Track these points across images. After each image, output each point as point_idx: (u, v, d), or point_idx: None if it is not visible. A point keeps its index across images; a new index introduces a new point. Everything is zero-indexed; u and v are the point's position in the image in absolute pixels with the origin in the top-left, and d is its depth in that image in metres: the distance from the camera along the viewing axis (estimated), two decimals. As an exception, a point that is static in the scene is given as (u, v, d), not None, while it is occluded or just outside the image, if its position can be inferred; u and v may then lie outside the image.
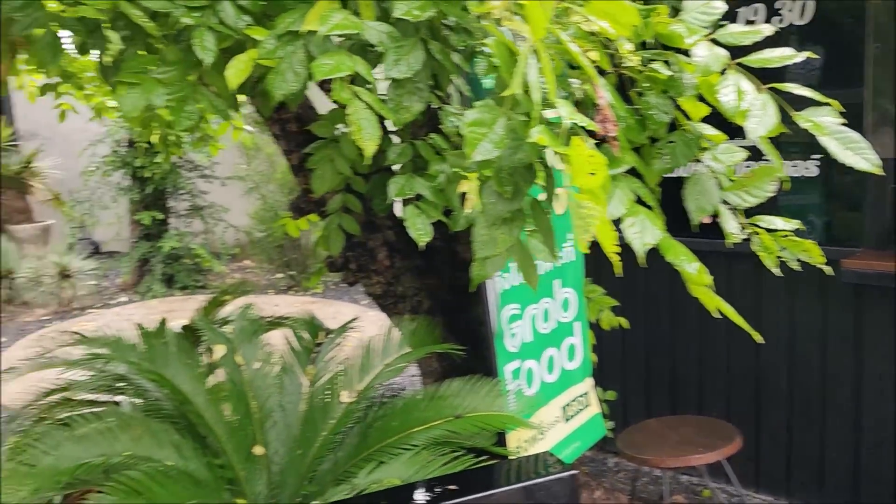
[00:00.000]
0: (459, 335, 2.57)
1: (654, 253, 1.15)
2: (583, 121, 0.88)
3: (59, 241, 9.79)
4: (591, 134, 0.93)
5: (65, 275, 7.01)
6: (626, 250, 1.11)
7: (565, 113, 0.86)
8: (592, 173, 0.81)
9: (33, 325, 6.57)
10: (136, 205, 7.71)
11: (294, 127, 2.62)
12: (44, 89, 3.64)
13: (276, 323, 2.80)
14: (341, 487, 2.06)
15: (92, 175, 7.63)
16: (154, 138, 3.91)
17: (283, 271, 7.72)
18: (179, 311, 6.63)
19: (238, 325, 2.55)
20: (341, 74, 1.16)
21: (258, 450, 2.21)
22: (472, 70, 1.57)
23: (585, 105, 1.11)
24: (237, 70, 1.36)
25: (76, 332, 3.22)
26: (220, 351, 2.37)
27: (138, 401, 2.63)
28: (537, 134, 0.84)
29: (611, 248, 0.94)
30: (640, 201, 1.08)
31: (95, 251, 8.86)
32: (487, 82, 2.07)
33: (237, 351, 2.42)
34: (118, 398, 2.94)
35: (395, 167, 2.05)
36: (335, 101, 1.25)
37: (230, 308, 3.06)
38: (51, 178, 9.69)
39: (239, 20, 1.39)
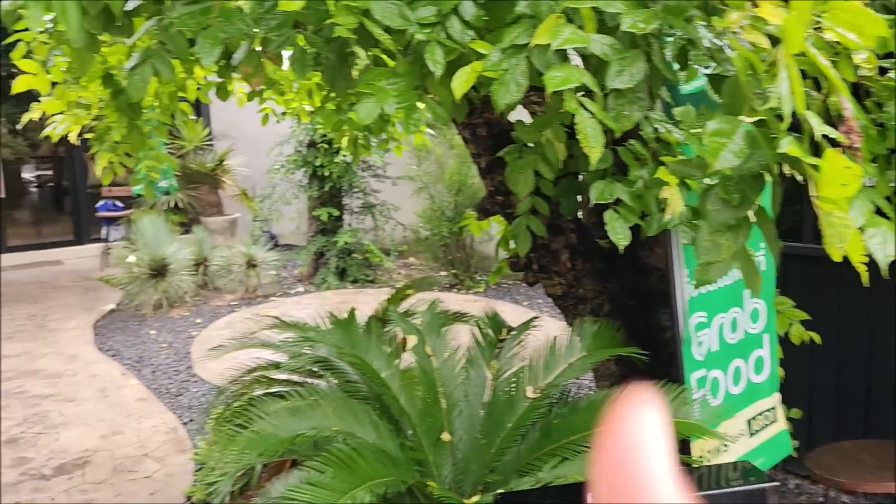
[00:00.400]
0: (639, 339, 2.57)
1: (847, 263, 1.11)
2: (832, 133, 0.89)
3: (243, 233, 10.68)
4: (834, 144, 0.94)
5: (251, 264, 7.64)
6: (818, 261, 1.09)
7: (815, 124, 0.87)
8: (844, 184, 0.82)
9: (224, 308, 7.22)
10: (314, 201, 8.25)
11: (483, 132, 2.74)
12: (251, 95, 4.02)
13: (459, 318, 2.93)
14: (525, 479, 2.13)
15: (276, 173, 8.25)
16: (343, 141, 4.20)
17: (447, 269, 7.96)
18: (352, 302, 7.01)
19: (426, 318, 2.69)
20: (571, 86, 1.24)
21: (446, 436, 2.34)
22: (674, 77, 1.59)
23: (820, 115, 1.10)
24: (462, 81, 1.47)
25: (276, 318, 3.54)
26: (411, 341, 2.53)
27: (333, 382, 2.85)
28: (787, 145, 0.86)
29: (858, 259, 0.94)
30: (878, 212, 1.06)
31: (274, 244, 9.53)
32: (686, 88, 2.07)
33: (426, 342, 2.57)
34: (311, 380, 3.21)
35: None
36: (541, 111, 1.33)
37: (406, 303, 3.26)
38: (239, 176, 10.61)
39: (464, 35, 1.51)
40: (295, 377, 3.52)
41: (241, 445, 2.15)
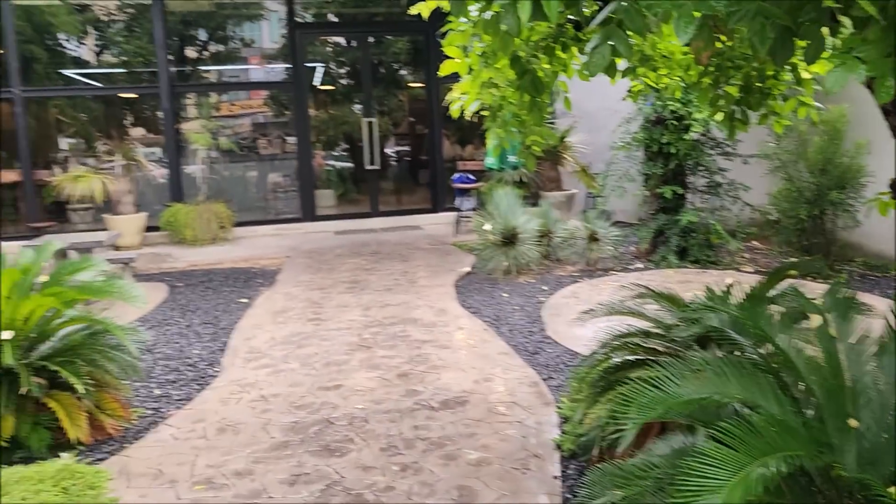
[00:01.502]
0: None
1: None
2: None
3: (579, 209, 11.01)
4: None
5: (594, 238, 7.88)
6: None
7: None
8: None
9: (566, 278, 7.58)
10: (657, 179, 8.20)
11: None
12: (625, 72, 4.13)
13: (859, 306, 2.75)
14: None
15: (621, 150, 8.34)
16: (718, 116, 4.11)
17: (799, 256, 7.37)
18: (695, 282, 6.89)
19: (828, 301, 2.58)
20: None
21: (853, 422, 2.24)
22: None
23: None
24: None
25: (647, 288, 3.64)
26: (815, 321, 2.45)
27: (717, 354, 2.87)
28: None
29: None
30: None
31: (610, 220, 9.67)
32: None
33: (829, 323, 2.47)
34: (688, 352, 3.25)
35: None
36: None
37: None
38: (577, 152, 10.93)
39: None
40: (660, 347, 3.62)
41: (644, 402, 2.28)
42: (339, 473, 3.48)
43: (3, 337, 3.66)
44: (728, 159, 8.06)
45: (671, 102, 7.55)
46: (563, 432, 3.79)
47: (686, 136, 7.65)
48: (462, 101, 3.82)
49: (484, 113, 3.95)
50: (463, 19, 3.32)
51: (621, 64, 3.92)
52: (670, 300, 3.47)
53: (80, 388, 3.74)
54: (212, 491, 3.36)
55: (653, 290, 3.61)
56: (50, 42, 15.51)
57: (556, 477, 3.38)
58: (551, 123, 10.97)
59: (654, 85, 4.37)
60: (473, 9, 2.99)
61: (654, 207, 8.35)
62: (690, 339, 3.11)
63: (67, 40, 16.45)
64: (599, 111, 11.33)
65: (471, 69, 3.47)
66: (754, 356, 2.53)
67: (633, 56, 3.91)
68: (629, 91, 4.52)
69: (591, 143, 11.08)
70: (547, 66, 3.61)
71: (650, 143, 8.09)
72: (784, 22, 1.64)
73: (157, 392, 4.72)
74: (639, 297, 3.78)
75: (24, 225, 11.37)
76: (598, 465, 2.69)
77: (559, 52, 3.54)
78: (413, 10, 3.24)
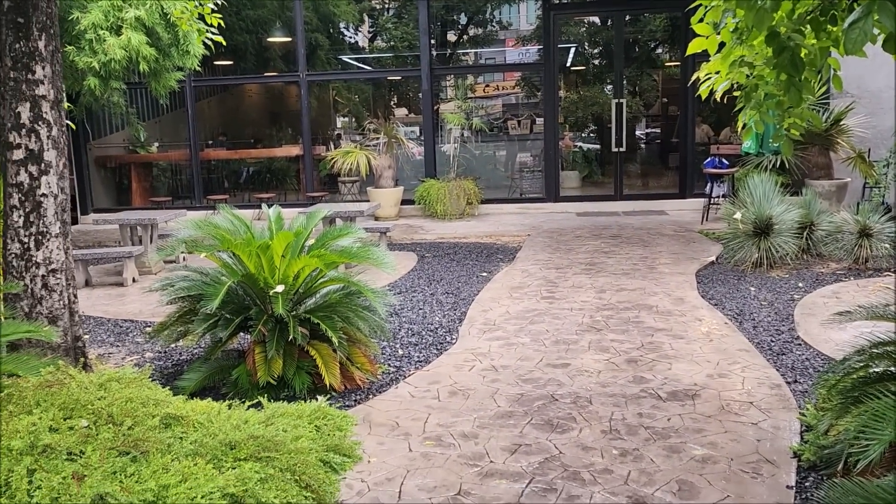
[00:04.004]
0: None
1: None
2: None
3: (851, 199, 9.84)
4: None
5: (865, 233, 7.02)
6: None
7: None
8: None
9: (828, 276, 6.86)
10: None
11: None
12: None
13: None
14: None
15: (908, 135, 7.30)
16: None
17: None
18: None
19: None
20: None
21: None
22: None
23: None
24: None
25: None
26: None
27: None
28: None
29: None
30: None
31: (888, 214, 8.53)
32: None
33: None
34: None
35: None
36: None
37: None
38: (855, 137, 9.74)
39: None
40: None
41: (894, 418, 2.05)
42: (559, 449, 3.55)
43: (277, 290, 4.24)
44: None
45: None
46: (803, 441, 3.49)
47: None
48: (712, 80, 3.63)
49: (736, 93, 3.71)
50: (716, -6, 3.14)
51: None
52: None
53: (335, 340, 4.21)
54: (440, 448, 3.61)
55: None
56: (331, 30, 17.28)
57: (789, 487, 3.14)
58: (823, 104, 9.91)
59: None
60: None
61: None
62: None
63: (346, 28, 18.20)
64: (885, 90, 9.99)
65: (721, 47, 3.28)
66: None
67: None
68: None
69: (872, 127, 9.83)
70: (813, 42, 3.29)
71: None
72: None
73: (401, 352, 5.14)
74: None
75: (303, 194, 12.88)
76: (837, 481, 2.46)
77: (829, 26, 3.21)
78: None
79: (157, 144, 13.89)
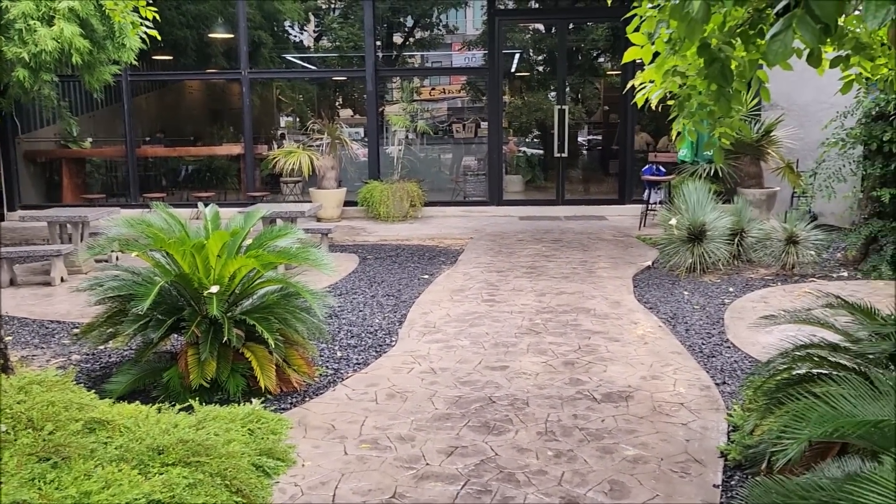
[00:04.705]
0: None
1: None
2: None
3: (780, 208, 10.21)
4: None
5: (791, 241, 7.29)
6: None
7: None
8: None
9: (757, 281, 7.10)
10: (874, 180, 7.40)
11: None
12: (834, 62, 3.77)
13: None
14: None
15: (833, 146, 7.61)
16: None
17: None
18: (910, 297, 6.17)
19: None
20: None
21: None
22: None
23: None
24: None
25: (838, 297, 3.35)
26: None
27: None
28: None
29: None
30: None
31: (814, 222, 8.89)
32: None
33: None
34: (878, 369, 2.96)
35: None
36: None
37: None
38: (783, 148, 10.11)
39: None
40: (847, 362, 3.31)
41: (811, 417, 2.13)
42: (495, 451, 3.57)
43: (212, 291, 4.15)
44: (966, 162, 7.08)
45: (897, 96, 6.76)
46: (730, 441, 3.60)
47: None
48: (647, 88, 3.72)
49: (670, 102, 3.81)
50: (650, 4, 3.22)
51: (831, 53, 3.61)
52: (864, 312, 3.16)
53: (271, 342, 4.14)
54: (376, 451, 3.59)
55: (843, 300, 3.31)
56: (276, 28, 17.04)
57: (716, 486, 3.23)
58: (755, 115, 10.25)
59: (869, 76, 3.97)
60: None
61: (868, 211, 7.54)
62: (883, 357, 2.83)
63: (291, 26, 17.98)
64: (812, 104, 10.40)
65: (655, 56, 3.36)
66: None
67: (848, 43, 3.58)
68: (841, 81, 4.14)
69: (800, 139, 10.21)
70: (743, 55, 3.41)
71: (868, 140, 7.31)
72: None
73: (339, 354, 5.09)
74: (828, 306, 3.49)
75: (244, 194, 12.65)
76: (760, 480, 2.54)
77: (758, 39, 3.33)
78: (599, -4, 3.19)
79: (90, 140, 13.45)
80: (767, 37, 1.91)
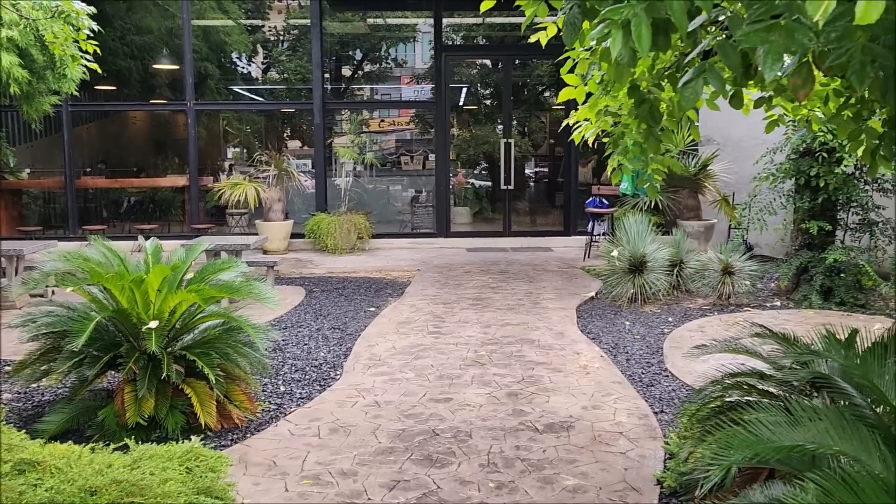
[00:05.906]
0: None
1: None
2: None
3: (718, 239, 10.56)
4: None
5: (727, 271, 7.55)
6: None
7: None
8: None
9: (695, 311, 7.31)
10: (802, 213, 7.74)
11: None
12: (758, 102, 3.98)
13: None
14: None
15: (764, 181, 7.94)
16: (859, 151, 3.87)
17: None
18: (837, 326, 6.41)
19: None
20: None
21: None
22: None
23: None
24: None
25: (764, 327, 3.49)
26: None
27: (827, 401, 2.72)
28: None
29: None
30: None
31: (749, 253, 9.22)
32: None
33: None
34: (800, 396, 3.09)
35: None
36: None
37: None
38: (719, 182, 10.51)
39: None
40: (773, 389, 3.45)
41: (734, 444, 2.22)
42: (437, 484, 3.58)
43: (150, 326, 4.08)
44: (887, 195, 7.47)
45: (822, 133, 7.11)
46: (666, 468, 3.69)
47: (837, 170, 7.18)
48: (582, 126, 3.86)
49: (604, 140, 3.95)
50: (582, 48, 3.36)
51: (755, 94, 3.80)
52: (787, 341, 3.31)
53: (212, 377, 4.09)
54: (317, 487, 3.56)
55: (770, 330, 3.46)
56: (223, 59, 16.98)
57: (652, 513, 3.30)
58: (693, 150, 10.64)
59: (790, 115, 4.20)
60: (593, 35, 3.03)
61: (799, 243, 7.87)
62: (804, 384, 2.96)
63: (239, 58, 17.93)
64: (745, 140, 10.84)
65: (588, 96, 3.50)
66: (865, 409, 2.37)
67: (769, 85, 3.78)
68: (765, 120, 4.36)
69: (734, 173, 10.62)
70: (671, 96, 3.57)
71: (797, 175, 7.65)
72: (890, 64, 1.57)
73: (282, 389, 5.05)
74: (757, 335, 3.63)
75: (188, 226, 12.47)
76: (691, 506, 2.62)
77: (685, 81, 3.50)
78: (532, 39, 3.32)
79: (28, 171, 13.11)
80: (679, 84, 2.03)
